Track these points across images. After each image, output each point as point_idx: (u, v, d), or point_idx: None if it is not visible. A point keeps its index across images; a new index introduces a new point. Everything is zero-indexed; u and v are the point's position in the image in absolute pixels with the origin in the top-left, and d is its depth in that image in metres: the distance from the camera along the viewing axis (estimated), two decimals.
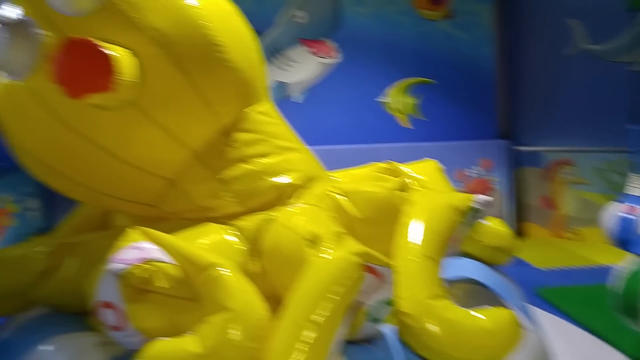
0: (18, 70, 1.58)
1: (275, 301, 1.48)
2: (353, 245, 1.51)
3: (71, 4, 1.56)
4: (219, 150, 1.84)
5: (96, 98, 1.44)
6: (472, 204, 1.77)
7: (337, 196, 2.06)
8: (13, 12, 1.65)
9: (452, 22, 4.39)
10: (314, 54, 4.24)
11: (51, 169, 1.77)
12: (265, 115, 2.01)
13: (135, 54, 1.58)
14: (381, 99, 4.35)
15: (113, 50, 1.44)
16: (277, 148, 1.96)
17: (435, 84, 4.40)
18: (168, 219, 1.94)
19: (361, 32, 4.24)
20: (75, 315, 1.84)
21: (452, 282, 1.80)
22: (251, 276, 1.62)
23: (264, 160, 1.90)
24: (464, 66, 4.40)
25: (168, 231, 1.84)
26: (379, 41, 4.25)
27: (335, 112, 4.31)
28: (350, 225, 2.02)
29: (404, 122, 4.41)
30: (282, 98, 3.98)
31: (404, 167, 2.28)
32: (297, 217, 1.77)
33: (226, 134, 1.86)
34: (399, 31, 4.31)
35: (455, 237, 1.75)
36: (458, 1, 4.32)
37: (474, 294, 1.95)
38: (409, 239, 1.62)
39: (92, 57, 1.38)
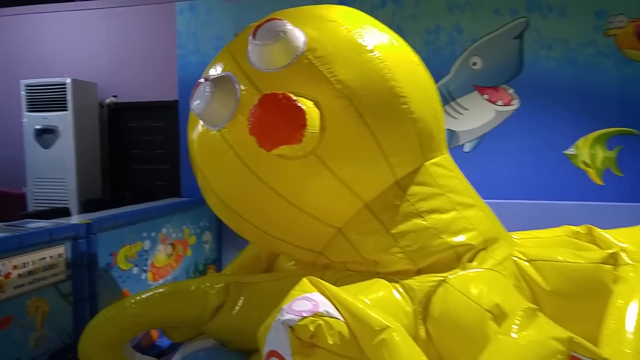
0: (216, 120, 1.74)
1: None
2: (552, 328, 1.27)
3: (270, 61, 1.67)
4: (393, 204, 1.76)
5: (284, 149, 1.49)
6: None
7: (523, 262, 1.82)
8: (216, 69, 1.85)
9: None
10: (489, 101, 3.98)
11: (232, 210, 1.89)
12: (443, 168, 1.88)
13: (318, 105, 1.62)
14: (568, 151, 3.86)
15: (303, 104, 1.49)
16: (454, 204, 1.81)
17: (638, 135, 3.76)
18: (332, 267, 1.92)
19: (546, 77, 3.85)
20: (239, 355, 1.90)
21: None
22: (417, 341, 1.48)
23: (440, 217, 1.76)
24: None
25: (333, 281, 1.82)
26: (569, 87, 3.80)
27: (509, 163, 3.94)
28: (535, 297, 1.76)
29: (593, 177, 3.83)
30: (451, 147, 3.80)
31: (606, 234, 1.93)
32: (476, 284, 1.58)
33: (401, 187, 1.78)
34: (596, 75, 3.81)
35: None
36: None
37: None
38: (625, 328, 1.31)
39: (286, 111, 1.44)
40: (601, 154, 3.86)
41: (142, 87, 4.49)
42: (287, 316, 1.28)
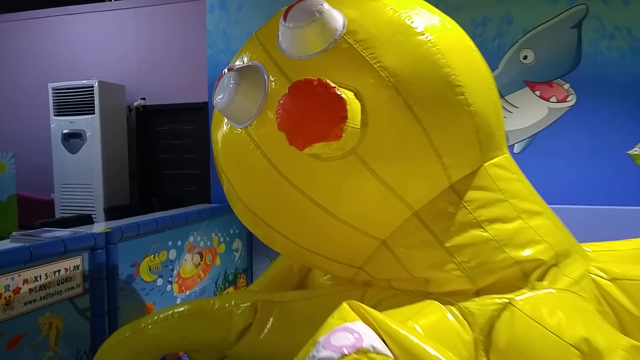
0: (242, 117, 1.53)
1: None
2: None
3: (304, 46, 1.44)
4: (447, 212, 1.50)
5: (320, 147, 1.26)
6: None
7: (604, 281, 1.53)
8: (242, 60, 1.63)
9: None
10: (542, 97, 3.65)
11: (260, 219, 1.66)
12: (504, 169, 1.61)
13: (359, 96, 1.38)
14: (632, 152, 3.48)
15: (342, 93, 1.25)
16: (519, 211, 1.54)
17: None
18: (375, 285, 1.67)
19: (607, 69, 3.49)
20: None
21: None
22: None
23: (503, 227, 1.49)
24: None
25: (376, 301, 1.58)
26: (633, 80, 3.44)
27: (564, 164, 3.59)
28: (622, 325, 1.47)
29: None
30: None
31: None
32: (551, 309, 1.30)
33: (457, 192, 1.52)
34: None
35: None
36: None
37: None
38: None
39: (322, 101, 1.20)
40: None
41: (171, 88, 4.37)
42: (325, 353, 1.04)
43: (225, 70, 1.58)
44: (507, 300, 1.39)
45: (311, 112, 1.21)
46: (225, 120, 1.63)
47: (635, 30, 3.47)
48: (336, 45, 1.44)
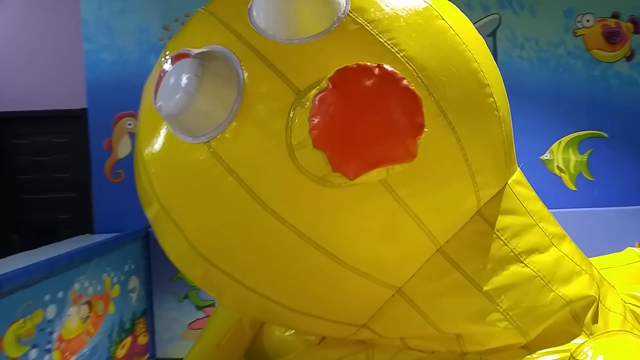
0: (203, 126, 1.03)
1: None
2: None
3: (297, 25, 1.00)
4: (478, 245, 1.18)
5: (376, 173, 0.82)
6: None
7: (637, 309, 1.34)
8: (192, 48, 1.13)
9: (632, 63, 3.65)
10: None
11: (221, 271, 1.17)
12: (525, 187, 1.34)
13: None
14: (544, 157, 3.59)
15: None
16: (550, 236, 1.28)
17: (607, 138, 3.59)
18: (380, 344, 1.28)
19: (520, 78, 3.56)
20: None
21: None
22: None
23: (542, 259, 1.21)
24: None
25: None
26: (542, 89, 3.56)
27: None
28: None
29: (567, 183, 3.61)
30: None
31: None
32: None
33: (486, 218, 1.20)
34: (567, 77, 3.60)
35: None
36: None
37: None
38: None
39: (388, 101, 0.78)
40: (573, 158, 3.66)
41: (35, 92, 3.46)
42: None
43: (169, 60, 1.07)
44: (569, 354, 1.11)
45: (371, 118, 0.78)
46: (166, 131, 1.11)
47: (542, 41, 3.62)
48: (342, 25, 1.03)
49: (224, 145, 1.03)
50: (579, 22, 3.61)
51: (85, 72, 3.12)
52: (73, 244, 2.69)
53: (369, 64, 0.81)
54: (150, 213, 1.28)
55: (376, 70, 0.79)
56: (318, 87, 0.83)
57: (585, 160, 3.62)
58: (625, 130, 3.59)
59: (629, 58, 3.64)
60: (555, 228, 1.33)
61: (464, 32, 1.17)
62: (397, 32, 1.05)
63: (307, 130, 0.91)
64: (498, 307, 1.13)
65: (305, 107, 0.94)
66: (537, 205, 1.33)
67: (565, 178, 3.57)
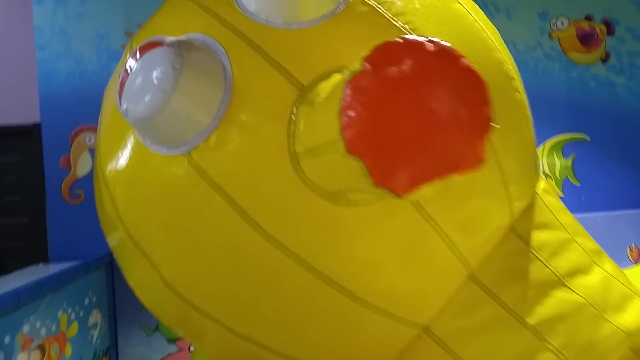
0: (182, 133, 0.81)
1: None
2: None
3: (297, 8, 0.81)
4: (515, 269, 0.99)
5: (427, 188, 0.62)
6: None
7: None
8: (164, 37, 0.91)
9: (608, 65, 3.63)
10: None
11: (205, 316, 0.94)
12: (553, 196, 1.18)
13: None
14: None
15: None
16: (590, 254, 1.11)
17: (589, 141, 3.54)
18: None
19: None
20: None
21: None
22: None
23: (588, 281, 1.04)
24: (622, 118, 3.58)
25: None
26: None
27: None
28: None
29: (554, 189, 3.54)
30: None
31: None
32: None
33: (520, 235, 1.02)
34: (545, 79, 3.54)
35: None
36: (614, 40, 3.59)
37: None
38: None
39: (447, 89, 0.57)
40: (559, 163, 3.60)
41: None
42: None
43: (137, 52, 0.85)
44: None
45: (425, 111, 0.58)
46: (134, 142, 0.89)
47: (520, 43, 3.56)
48: (349, 7, 0.85)
49: (208, 157, 0.81)
50: (553, 24, 3.57)
51: (38, 83, 2.83)
52: (23, 277, 2.35)
53: (418, 37, 0.62)
54: (114, 241, 1.06)
55: (429, 46, 0.60)
56: (350, 71, 0.63)
57: (570, 164, 3.55)
58: (606, 132, 3.55)
59: (604, 60, 3.62)
60: (591, 243, 1.16)
61: (481, 18, 1.02)
62: (413, 15, 0.87)
63: (318, 134, 0.71)
64: (548, 345, 0.94)
65: (314, 104, 0.75)
66: (568, 216, 1.17)
67: (552, 184, 3.51)
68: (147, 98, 0.76)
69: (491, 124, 0.62)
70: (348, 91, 0.60)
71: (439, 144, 0.58)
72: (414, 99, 0.58)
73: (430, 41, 0.59)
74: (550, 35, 3.59)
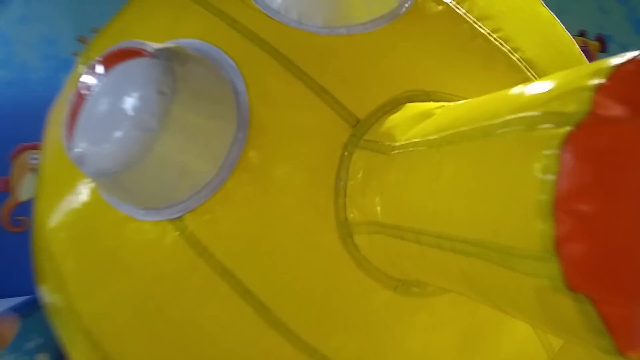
0: (173, 193, 0.52)
1: None
2: None
3: (345, 8, 0.55)
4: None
5: None
6: None
7: None
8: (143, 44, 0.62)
9: None
10: None
11: None
12: None
13: None
14: None
15: None
16: None
17: None
18: None
19: None
20: None
21: None
22: None
23: None
24: None
25: None
26: None
27: None
28: None
29: None
30: None
31: None
32: None
33: None
34: None
35: None
36: (608, 56, 3.57)
37: None
38: None
39: None
40: None
41: None
42: None
43: (98, 64, 0.55)
44: None
45: None
46: (92, 196, 0.60)
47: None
48: (417, 6, 0.60)
49: (211, 225, 0.53)
50: None
51: None
52: None
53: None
54: (52, 306, 0.77)
55: None
56: (567, 112, 0.30)
57: None
58: None
59: None
60: None
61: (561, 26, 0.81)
62: (502, 21, 0.63)
63: (401, 203, 0.45)
64: None
65: (377, 149, 0.49)
66: None
67: None
68: (118, 136, 0.48)
69: None
70: (570, 160, 0.28)
71: None
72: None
73: None
74: None
